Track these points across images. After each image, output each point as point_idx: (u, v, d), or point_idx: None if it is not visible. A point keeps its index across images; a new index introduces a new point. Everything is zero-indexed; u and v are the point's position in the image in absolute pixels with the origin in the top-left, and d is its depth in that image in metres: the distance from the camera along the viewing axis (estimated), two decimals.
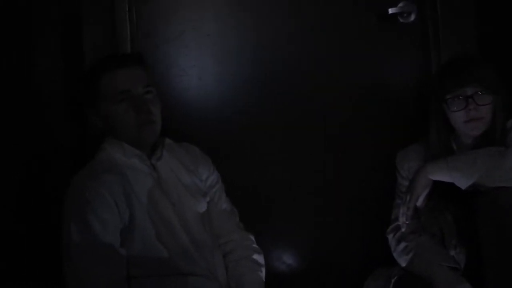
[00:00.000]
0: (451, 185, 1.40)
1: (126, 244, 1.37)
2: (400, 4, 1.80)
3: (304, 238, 1.86)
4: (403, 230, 1.49)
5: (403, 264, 1.54)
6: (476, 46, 1.77)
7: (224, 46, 1.82)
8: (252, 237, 1.58)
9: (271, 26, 1.83)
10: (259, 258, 1.54)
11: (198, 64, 1.82)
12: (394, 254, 1.58)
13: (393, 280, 1.53)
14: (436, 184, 1.42)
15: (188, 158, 1.56)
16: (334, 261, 1.86)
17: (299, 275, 1.85)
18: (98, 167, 1.44)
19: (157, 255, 1.39)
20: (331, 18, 1.84)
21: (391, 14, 1.80)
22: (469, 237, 1.44)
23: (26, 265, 1.63)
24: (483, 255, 1.33)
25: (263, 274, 1.53)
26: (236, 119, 1.83)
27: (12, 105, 1.68)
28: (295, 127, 1.84)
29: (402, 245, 1.55)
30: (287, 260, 1.86)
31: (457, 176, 1.36)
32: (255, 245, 1.56)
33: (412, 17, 1.81)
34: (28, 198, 1.69)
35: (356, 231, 1.85)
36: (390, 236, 1.61)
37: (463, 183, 1.36)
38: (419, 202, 1.43)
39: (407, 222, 1.44)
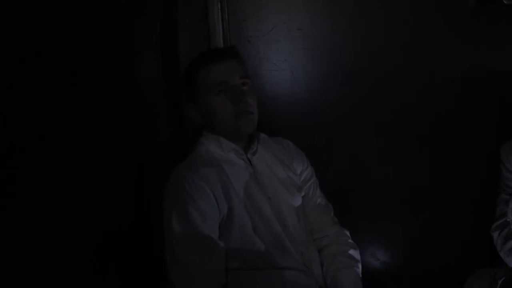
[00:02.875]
0: None
1: (224, 236, 1.40)
2: None
3: (401, 236, 1.81)
4: None
5: (511, 264, 1.45)
6: None
7: (315, 40, 1.81)
8: (348, 233, 1.55)
9: (363, 18, 1.80)
10: (355, 253, 1.51)
11: (289, 58, 1.83)
12: (501, 253, 1.50)
13: (500, 281, 1.45)
14: None
15: (283, 152, 1.56)
16: (431, 260, 1.79)
17: (394, 273, 1.80)
18: (197, 160, 1.47)
19: (254, 248, 1.40)
20: (425, 6, 1.76)
21: None
22: None
23: (131, 265, 1.70)
24: None
25: (359, 269, 1.49)
26: (328, 113, 1.81)
27: (121, 107, 1.76)
28: (389, 122, 1.80)
29: (510, 243, 1.46)
30: (382, 257, 1.81)
31: None
32: (350, 241, 1.54)
33: None
34: (131, 197, 1.75)
35: (455, 229, 1.78)
36: (495, 234, 1.53)
37: None
38: None
39: None
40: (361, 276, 1.49)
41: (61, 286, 1.18)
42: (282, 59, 1.83)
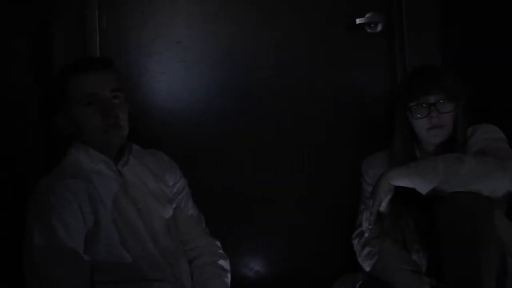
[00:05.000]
0: (413, 191, 1.43)
1: (90, 250, 1.37)
2: (368, 15, 1.84)
3: (273, 246, 1.87)
4: (366, 235, 1.51)
5: (367, 269, 1.56)
6: (440, 56, 1.81)
7: (194, 53, 1.84)
8: (218, 243, 1.59)
9: (241, 34, 1.86)
10: (225, 264, 1.55)
11: (168, 70, 1.84)
12: (359, 259, 1.60)
13: (357, 285, 1.55)
14: (399, 190, 1.45)
15: (155, 164, 1.57)
16: (302, 267, 1.87)
17: (267, 281, 1.86)
18: (64, 172, 1.43)
19: (122, 261, 1.39)
20: (300, 28, 1.87)
21: (359, 24, 1.84)
22: (430, 241, 1.47)
23: None
24: (442, 257, 1.35)
25: (228, 280, 1.53)
26: (206, 125, 1.84)
27: None
28: (265, 134, 1.86)
29: (366, 250, 1.57)
30: (255, 266, 1.86)
31: (418, 181, 1.39)
32: (221, 251, 1.57)
33: (379, 28, 1.85)
34: None
35: (325, 238, 1.87)
36: (355, 242, 1.63)
37: (423, 188, 1.39)
38: (382, 207, 1.45)
39: (370, 227, 1.46)
40: (229, 286, 1.53)
41: None
42: (161, 71, 1.84)
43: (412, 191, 1.42)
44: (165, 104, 1.84)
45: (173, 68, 1.84)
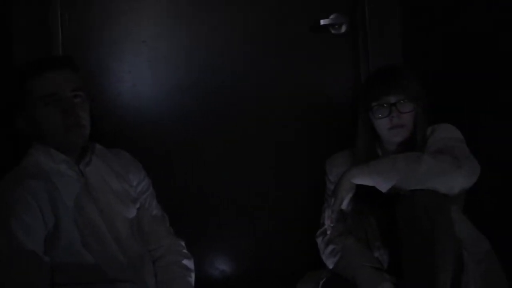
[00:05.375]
0: (375, 189, 1.45)
1: (50, 251, 1.35)
2: (332, 16, 1.87)
3: (238, 244, 1.88)
4: (328, 233, 1.53)
5: (331, 266, 1.58)
6: (402, 56, 1.85)
7: (159, 53, 1.83)
8: (183, 243, 1.58)
9: (207, 34, 1.86)
10: (189, 263, 1.54)
11: (132, 70, 1.83)
12: (323, 257, 1.62)
13: (321, 283, 1.57)
14: (361, 188, 1.47)
15: (119, 164, 1.56)
16: (268, 266, 1.88)
17: (233, 281, 1.87)
18: (24, 173, 1.41)
19: (83, 262, 1.38)
20: (265, 27, 1.88)
21: (323, 25, 1.86)
22: (391, 238, 1.50)
23: None
24: (402, 254, 1.38)
25: (192, 279, 1.53)
26: (172, 125, 1.84)
27: None
28: (230, 133, 1.87)
29: (330, 247, 1.59)
30: (220, 266, 1.87)
31: (378, 179, 1.42)
32: (185, 251, 1.57)
33: (343, 29, 1.88)
34: None
35: (291, 236, 1.88)
36: (319, 240, 1.65)
37: (383, 186, 1.42)
38: (344, 206, 1.48)
39: (332, 225, 1.48)
40: (193, 285, 1.52)
41: None
42: (125, 71, 1.83)
43: (374, 189, 1.45)
44: (129, 104, 1.83)
45: (138, 68, 1.83)
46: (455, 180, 1.39)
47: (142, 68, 1.83)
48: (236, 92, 1.87)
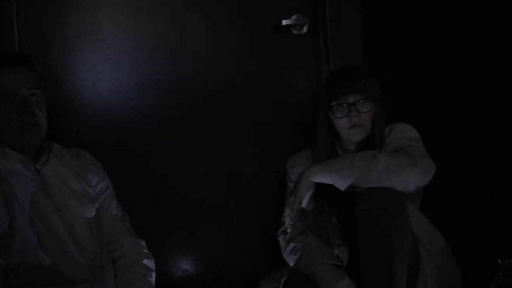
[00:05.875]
0: (335, 188, 1.47)
1: (5, 252, 1.32)
2: (294, 17, 1.88)
3: (200, 243, 1.88)
4: (288, 231, 1.54)
5: (292, 264, 1.60)
6: (361, 57, 1.89)
7: (119, 51, 1.81)
8: (143, 243, 1.57)
9: (168, 33, 1.85)
10: (149, 263, 1.53)
11: (92, 68, 1.80)
12: (284, 255, 1.64)
13: (282, 280, 1.58)
14: (323, 187, 1.49)
15: (77, 163, 1.53)
16: (230, 265, 1.88)
17: (195, 280, 1.87)
18: None
19: (39, 263, 1.35)
20: (228, 27, 1.88)
21: (285, 25, 1.88)
22: (351, 236, 1.52)
23: None
24: (359, 251, 1.41)
25: (153, 279, 1.52)
26: (131, 124, 1.82)
27: None
28: (193, 132, 1.86)
29: (291, 246, 1.61)
30: (183, 265, 1.86)
31: (336, 178, 1.44)
32: (145, 250, 1.55)
33: (305, 29, 1.90)
34: None
35: (253, 235, 1.89)
36: (280, 238, 1.66)
37: (341, 185, 1.44)
38: (304, 204, 1.49)
39: (291, 223, 1.50)
40: (153, 285, 1.51)
41: None
42: (85, 69, 1.80)
43: (335, 188, 1.47)
44: (89, 102, 1.80)
45: (98, 66, 1.81)
46: (410, 178, 1.43)
47: (101, 67, 1.81)
48: (198, 91, 1.86)
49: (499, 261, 1.28)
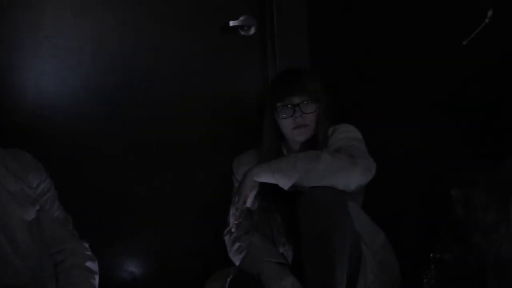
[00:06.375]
0: (280, 187, 1.49)
1: None
2: (241, 18, 1.89)
3: (147, 244, 1.86)
4: (233, 230, 1.56)
5: (237, 263, 1.61)
6: (308, 59, 1.92)
7: (63, 49, 1.77)
8: (87, 245, 1.55)
9: (114, 32, 1.82)
10: (93, 265, 1.51)
11: (35, 67, 1.76)
12: (230, 255, 1.65)
13: (228, 280, 1.59)
14: (267, 186, 1.51)
15: (17, 164, 1.50)
16: (177, 266, 1.88)
17: (141, 281, 1.85)
18: None
19: None
20: (175, 27, 1.87)
21: (232, 26, 1.89)
22: (295, 234, 1.55)
23: None
24: (302, 249, 1.43)
25: (96, 281, 1.50)
26: (75, 124, 1.79)
27: None
28: (139, 134, 1.85)
29: (236, 245, 1.62)
30: (129, 267, 1.84)
31: (279, 177, 1.46)
32: (88, 253, 1.53)
33: (252, 31, 1.91)
34: None
35: (199, 236, 1.89)
36: (226, 238, 1.68)
37: (285, 184, 1.46)
38: (248, 203, 1.50)
39: (236, 223, 1.51)
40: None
41: None
42: (27, 67, 1.75)
43: (280, 187, 1.49)
44: (31, 102, 1.76)
45: (41, 64, 1.76)
46: (352, 177, 1.46)
47: (44, 64, 1.76)
48: (144, 91, 1.85)
49: (431, 255, 1.33)
